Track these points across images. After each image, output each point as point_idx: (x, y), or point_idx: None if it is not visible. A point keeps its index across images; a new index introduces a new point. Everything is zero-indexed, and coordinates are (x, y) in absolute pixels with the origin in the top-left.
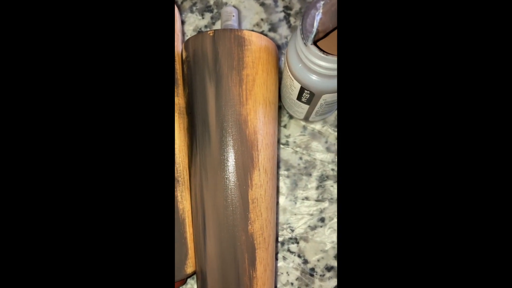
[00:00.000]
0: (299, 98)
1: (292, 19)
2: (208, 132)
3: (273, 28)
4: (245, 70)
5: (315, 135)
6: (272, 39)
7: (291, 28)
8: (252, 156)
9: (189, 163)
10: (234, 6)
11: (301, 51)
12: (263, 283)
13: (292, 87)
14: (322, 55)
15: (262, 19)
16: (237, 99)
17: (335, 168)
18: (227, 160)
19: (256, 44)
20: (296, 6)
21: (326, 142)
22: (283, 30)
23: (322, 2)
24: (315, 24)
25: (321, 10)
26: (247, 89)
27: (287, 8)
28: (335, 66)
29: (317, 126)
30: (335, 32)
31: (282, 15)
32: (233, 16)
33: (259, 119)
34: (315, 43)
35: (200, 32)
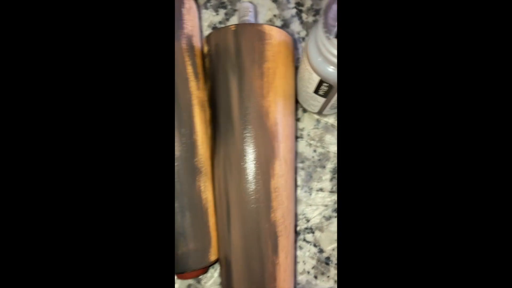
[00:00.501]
0: (316, 91)
1: (304, 15)
2: (231, 124)
3: (285, 24)
4: (266, 64)
5: (328, 128)
6: None
7: (303, 24)
8: (274, 147)
9: (212, 154)
10: (250, 2)
11: (322, 44)
12: (284, 270)
13: (310, 80)
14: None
15: (274, 15)
16: (259, 91)
17: None
18: (250, 151)
19: (276, 38)
20: (308, 3)
21: None
22: (296, 26)
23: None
24: (334, 17)
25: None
26: (268, 82)
27: (299, 4)
28: None
29: (330, 120)
30: None
31: (294, 11)
32: (250, 11)
33: (279, 111)
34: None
35: (220, 27)
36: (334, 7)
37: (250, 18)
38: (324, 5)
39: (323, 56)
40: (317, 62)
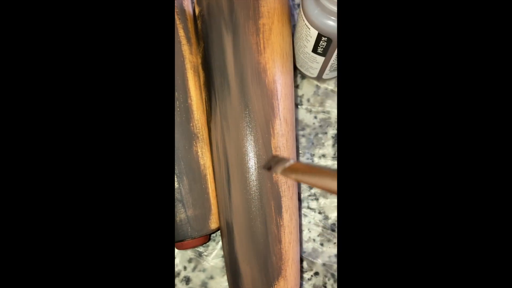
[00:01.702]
0: (314, 49)
1: None
2: (227, 83)
3: None
4: (262, 20)
5: (328, 94)
6: None
7: None
8: (273, 105)
9: (207, 117)
10: None
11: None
12: (290, 232)
13: (308, 37)
14: None
15: None
16: (254, 48)
17: None
18: (248, 110)
19: None
20: None
21: None
22: None
23: None
24: None
25: None
26: (264, 38)
27: None
28: None
29: (330, 85)
30: None
31: None
32: None
33: (277, 68)
34: None
35: None
36: None
37: None
38: None
39: (320, 6)
40: (314, 14)
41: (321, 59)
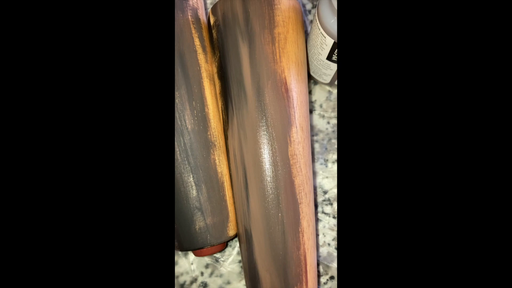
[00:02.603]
0: (329, 57)
1: None
2: (244, 92)
3: None
4: (277, 29)
5: None
6: None
7: None
8: (289, 113)
9: (224, 126)
10: None
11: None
12: (308, 238)
13: (323, 45)
14: None
15: None
16: (270, 57)
17: None
18: (265, 118)
19: (285, 3)
20: None
21: None
22: None
23: None
24: None
25: None
26: (279, 47)
27: None
28: None
29: None
30: None
31: None
32: None
33: (293, 76)
34: None
35: None
36: None
37: None
38: None
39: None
40: (331, 24)
41: (335, 66)
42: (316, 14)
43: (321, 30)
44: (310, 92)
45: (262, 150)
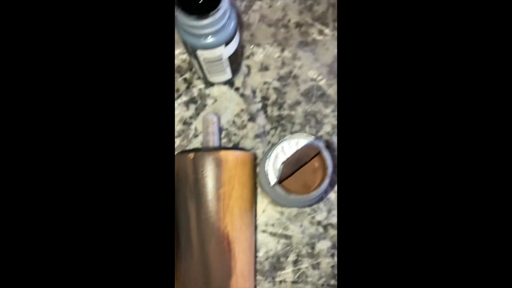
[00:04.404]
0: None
1: (269, 109)
2: (190, 247)
3: (252, 118)
4: (222, 188)
5: (291, 219)
6: (251, 128)
7: (268, 117)
8: (230, 265)
9: (175, 274)
10: (215, 113)
11: (267, 184)
12: None
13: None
14: (283, 192)
15: (242, 110)
16: (215, 216)
17: (310, 250)
18: (208, 271)
19: (232, 162)
20: (273, 97)
21: (301, 226)
22: (261, 119)
23: (282, 164)
24: (278, 174)
25: (282, 167)
26: (224, 205)
27: (264, 98)
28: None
29: (294, 211)
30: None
31: (260, 105)
32: (214, 122)
33: (236, 229)
34: (279, 183)
35: (183, 152)
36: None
37: (214, 129)
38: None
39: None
40: (268, 188)
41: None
42: (259, 172)
43: (263, 187)
44: (263, 211)
45: None
